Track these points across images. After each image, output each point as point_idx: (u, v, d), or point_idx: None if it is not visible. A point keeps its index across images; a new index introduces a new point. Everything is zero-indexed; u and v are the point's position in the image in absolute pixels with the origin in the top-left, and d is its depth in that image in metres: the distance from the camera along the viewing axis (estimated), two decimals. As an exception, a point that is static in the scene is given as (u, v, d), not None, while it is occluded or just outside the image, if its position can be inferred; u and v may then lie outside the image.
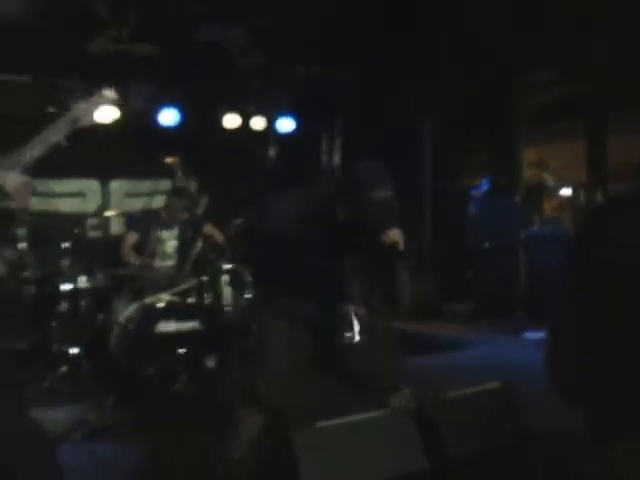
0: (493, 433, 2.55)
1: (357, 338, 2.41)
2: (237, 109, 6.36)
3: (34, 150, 1.65)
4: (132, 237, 4.60)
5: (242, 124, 6.36)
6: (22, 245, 4.40)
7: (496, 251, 6.03)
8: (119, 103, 5.34)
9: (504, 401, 2.71)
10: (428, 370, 3.86)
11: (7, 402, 1.78)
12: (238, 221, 4.40)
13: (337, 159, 7.03)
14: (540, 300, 5.34)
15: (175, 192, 5.07)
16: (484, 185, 6.43)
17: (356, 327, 2.42)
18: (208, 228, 5.01)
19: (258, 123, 6.44)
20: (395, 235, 2.35)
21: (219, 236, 4.97)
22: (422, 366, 4.07)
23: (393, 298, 2.82)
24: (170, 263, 4.63)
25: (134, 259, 4.43)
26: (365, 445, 2.31)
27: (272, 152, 6.49)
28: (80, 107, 1.72)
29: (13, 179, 1.61)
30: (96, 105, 1.76)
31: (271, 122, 6.47)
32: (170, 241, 4.70)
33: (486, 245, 6.07)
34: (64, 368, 3.98)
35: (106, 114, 5.35)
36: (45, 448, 1.82)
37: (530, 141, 6.40)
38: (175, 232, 4.71)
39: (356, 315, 2.45)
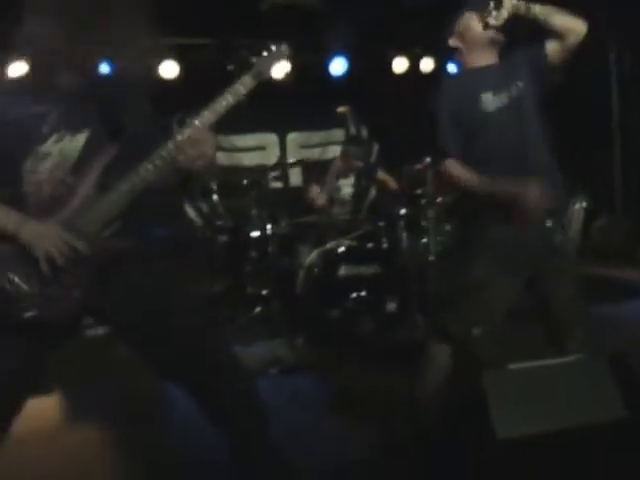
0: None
1: None
2: (405, 52, 6.27)
3: (222, 105, 1.75)
4: (314, 187, 4.83)
5: (411, 67, 6.26)
6: (214, 197, 4.80)
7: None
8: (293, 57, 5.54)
9: None
10: (620, 317, 3.63)
11: (215, 336, 1.98)
12: (418, 165, 4.37)
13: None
14: None
15: (350, 141, 5.18)
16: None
17: None
18: (381, 174, 5.07)
19: (427, 65, 6.32)
20: None
21: (392, 182, 5.00)
22: (613, 313, 3.85)
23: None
24: (347, 210, 4.79)
25: (320, 205, 4.64)
26: (559, 390, 2.25)
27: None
28: (261, 61, 1.79)
29: (200, 130, 1.72)
30: (276, 59, 1.82)
31: (440, 63, 6.29)
32: (346, 189, 4.85)
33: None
34: (257, 309, 4.33)
35: (279, 69, 5.55)
36: (249, 379, 2.01)
37: None
38: (351, 180, 4.85)
39: None
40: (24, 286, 1.68)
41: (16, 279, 1.68)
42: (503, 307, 2.40)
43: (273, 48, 1.82)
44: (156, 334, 1.81)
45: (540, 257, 2.38)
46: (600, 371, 2.24)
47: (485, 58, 2.39)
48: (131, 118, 1.79)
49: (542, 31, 2.38)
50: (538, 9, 2.30)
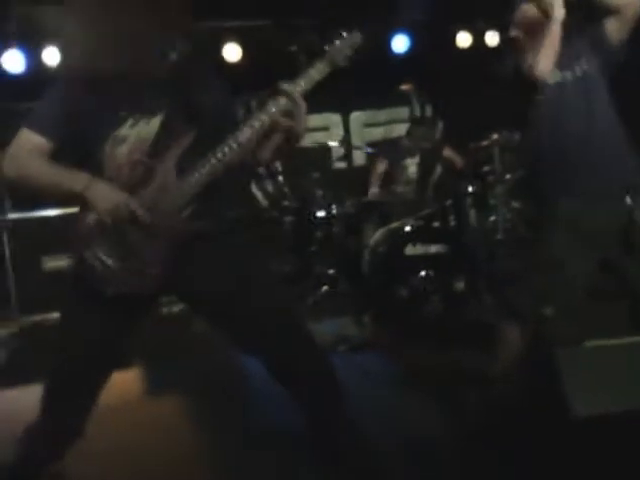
0: None
1: None
2: (469, 27, 6.11)
3: (298, 89, 1.76)
4: (381, 165, 4.83)
5: (475, 41, 6.11)
6: (280, 178, 4.86)
7: None
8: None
9: None
10: None
11: (293, 311, 2.03)
12: (485, 142, 4.29)
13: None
14: None
15: (414, 122, 5.12)
16: None
17: None
18: (447, 152, 5.00)
19: (492, 38, 6.14)
20: None
21: (459, 160, 4.92)
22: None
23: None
24: (413, 189, 4.76)
25: (382, 185, 4.65)
26: (637, 369, 2.19)
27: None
28: (334, 49, 1.78)
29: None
30: (349, 47, 1.81)
31: (507, 35, 6.11)
32: (412, 168, 4.82)
33: None
34: (325, 287, 4.38)
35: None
36: (325, 354, 2.06)
37: None
38: (417, 159, 4.81)
39: None
40: (107, 262, 1.75)
41: (100, 255, 1.75)
42: (577, 286, 2.35)
43: (345, 35, 1.81)
44: (236, 310, 1.86)
45: (617, 236, 2.32)
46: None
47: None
48: (207, 100, 1.83)
49: (600, 11, 2.36)
50: None
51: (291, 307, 2.03)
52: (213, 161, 1.75)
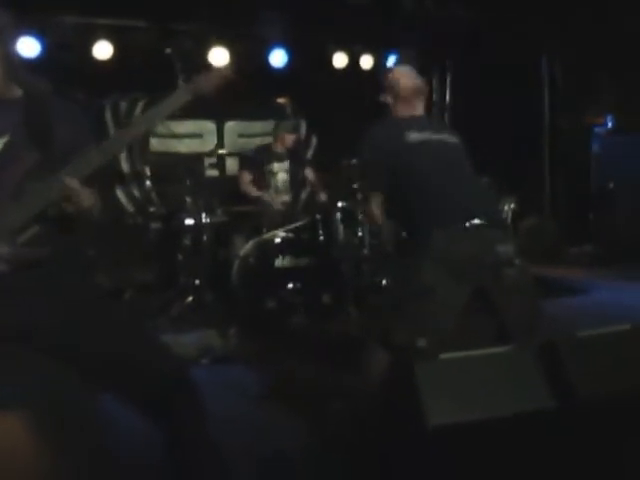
0: (624, 377, 2.45)
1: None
2: (345, 48, 6.29)
3: (160, 111, 1.72)
4: (247, 175, 4.77)
5: (350, 63, 6.29)
6: (147, 183, 4.66)
7: (621, 193, 5.69)
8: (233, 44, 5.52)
9: (635, 344, 2.58)
10: (549, 314, 3.77)
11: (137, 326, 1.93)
12: (355, 160, 4.39)
13: (448, 97, 6.81)
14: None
15: (285, 125, 5.12)
16: (609, 123, 6.02)
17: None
18: (319, 167, 5.07)
19: (367, 62, 6.36)
20: None
21: (329, 175, 5.01)
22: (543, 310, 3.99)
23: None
24: (284, 198, 4.75)
25: (254, 192, 4.59)
26: (488, 379, 2.30)
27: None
28: (200, 80, 1.76)
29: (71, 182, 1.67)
30: (215, 79, 1.78)
31: (380, 60, 6.35)
32: (281, 174, 4.79)
33: (610, 186, 5.73)
34: (190, 298, 4.24)
35: (218, 56, 5.47)
36: (179, 366, 1.96)
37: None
38: (285, 165, 4.79)
39: None
40: None
41: None
42: (449, 315, 2.43)
43: (214, 68, 1.84)
44: (70, 343, 1.73)
45: (485, 265, 2.43)
46: (528, 362, 2.31)
47: (413, 109, 2.54)
48: (56, 127, 1.74)
49: None
50: None
51: (133, 333, 1.91)
52: (52, 185, 1.66)
